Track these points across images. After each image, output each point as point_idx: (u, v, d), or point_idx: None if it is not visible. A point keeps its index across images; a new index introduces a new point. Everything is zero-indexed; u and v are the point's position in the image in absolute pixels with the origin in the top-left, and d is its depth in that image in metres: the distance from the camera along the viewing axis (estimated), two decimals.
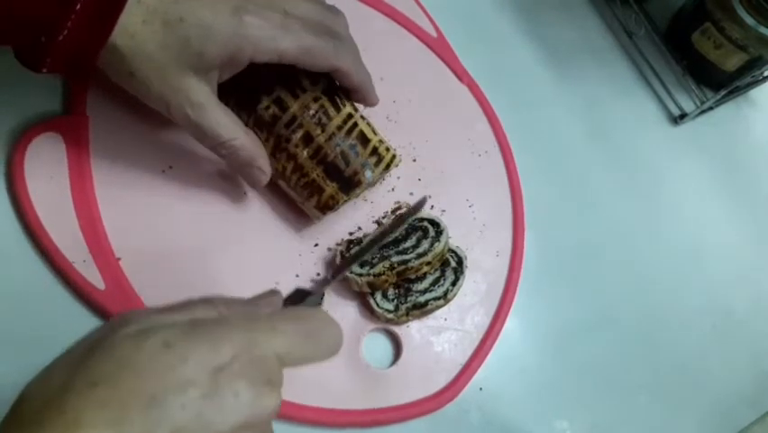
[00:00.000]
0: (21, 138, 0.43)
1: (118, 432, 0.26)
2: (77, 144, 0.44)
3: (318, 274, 0.49)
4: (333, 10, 0.46)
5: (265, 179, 0.46)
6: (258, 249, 0.48)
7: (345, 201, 0.47)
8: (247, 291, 0.43)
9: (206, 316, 0.32)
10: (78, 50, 0.37)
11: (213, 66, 0.40)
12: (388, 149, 0.48)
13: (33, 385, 0.27)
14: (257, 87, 0.46)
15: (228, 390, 0.28)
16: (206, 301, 0.33)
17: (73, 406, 0.26)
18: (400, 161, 0.49)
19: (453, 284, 0.50)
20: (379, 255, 0.48)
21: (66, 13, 0.35)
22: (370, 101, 0.48)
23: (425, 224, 0.50)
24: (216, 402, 0.28)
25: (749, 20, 0.63)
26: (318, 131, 0.45)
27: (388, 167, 0.48)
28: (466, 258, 0.51)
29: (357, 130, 0.46)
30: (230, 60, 0.40)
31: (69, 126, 0.45)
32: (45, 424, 0.25)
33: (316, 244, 0.50)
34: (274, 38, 0.41)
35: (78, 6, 0.35)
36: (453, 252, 0.51)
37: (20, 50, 0.37)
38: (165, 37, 0.38)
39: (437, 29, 0.61)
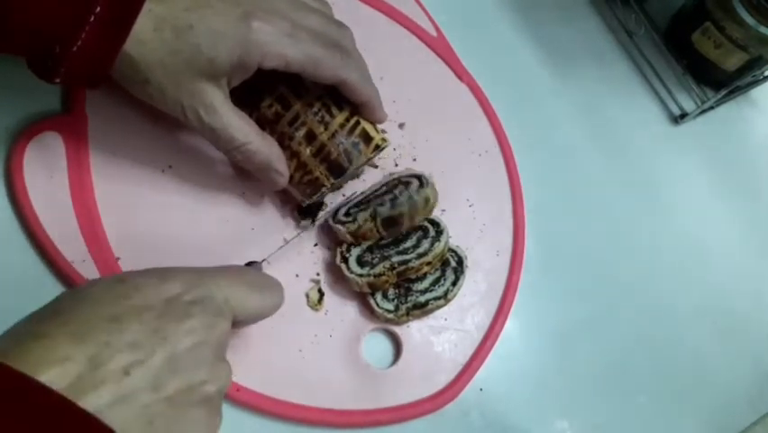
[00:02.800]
0: (20, 137, 0.43)
1: (80, 342, 0.29)
2: (76, 143, 0.44)
3: (318, 274, 0.49)
4: (340, 24, 0.46)
5: (283, 181, 0.46)
6: (258, 249, 0.47)
7: (333, 186, 0.47)
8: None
9: None
10: (92, 60, 0.37)
11: (223, 71, 0.40)
12: (384, 139, 0.48)
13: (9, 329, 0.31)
14: (260, 85, 0.46)
15: (181, 312, 0.32)
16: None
17: (39, 327, 0.30)
18: (388, 143, 0.49)
19: (454, 284, 0.50)
20: (379, 255, 0.48)
21: (81, 23, 0.35)
22: (377, 117, 0.48)
23: (426, 224, 0.50)
24: (170, 321, 0.32)
25: (749, 19, 0.63)
26: (321, 129, 0.45)
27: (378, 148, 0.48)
28: (466, 258, 0.51)
29: (360, 128, 0.46)
30: (239, 65, 0.41)
31: (69, 125, 0.45)
32: (20, 339, 0.29)
33: (316, 244, 0.50)
34: (282, 44, 0.41)
35: (93, 17, 0.35)
36: (454, 251, 0.51)
37: (33, 60, 0.37)
38: (176, 44, 0.38)
39: (437, 28, 0.61)
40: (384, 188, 0.51)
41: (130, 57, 0.38)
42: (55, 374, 0.28)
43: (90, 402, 0.28)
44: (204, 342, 0.33)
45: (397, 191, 0.49)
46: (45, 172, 0.43)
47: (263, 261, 0.46)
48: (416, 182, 0.50)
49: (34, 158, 0.43)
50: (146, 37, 0.37)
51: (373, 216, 0.48)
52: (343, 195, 0.51)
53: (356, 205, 0.50)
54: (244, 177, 0.48)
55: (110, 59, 0.37)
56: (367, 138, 0.47)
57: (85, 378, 0.28)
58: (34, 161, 0.43)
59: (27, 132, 0.43)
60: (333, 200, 0.51)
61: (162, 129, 0.47)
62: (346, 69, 0.44)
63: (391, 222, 0.48)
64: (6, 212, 0.43)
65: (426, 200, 0.49)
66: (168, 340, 0.31)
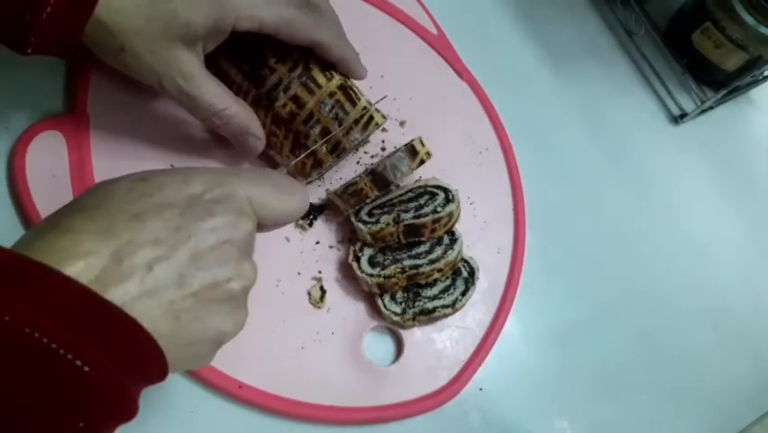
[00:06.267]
0: (22, 137, 0.43)
1: (105, 237, 0.29)
2: (78, 143, 0.44)
3: (320, 272, 0.49)
4: None
5: (261, 145, 0.46)
6: (259, 247, 0.47)
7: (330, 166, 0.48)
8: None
9: None
10: (63, 28, 0.36)
11: (199, 36, 0.40)
12: (425, 147, 0.49)
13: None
14: (274, 83, 0.46)
15: (203, 211, 0.32)
16: None
17: (64, 221, 0.30)
18: (383, 118, 0.49)
19: (463, 294, 0.50)
20: (391, 257, 0.48)
21: None
22: (356, 74, 0.48)
23: None
24: (193, 219, 0.32)
25: (749, 19, 0.63)
26: (336, 126, 0.46)
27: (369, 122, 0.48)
28: (478, 269, 0.51)
29: (373, 123, 0.47)
30: (214, 29, 0.41)
31: (71, 125, 0.45)
32: (45, 233, 0.29)
33: (318, 242, 0.50)
34: (256, 6, 0.41)
35: None
36: (466, 262, 0.51)
37: (4, 31, 0.36)
38: (151, 10, 0.38)
39: (438, 26, 0.61)
40: (410, 193, 0.50)
41: (103, 24, 0.37)
42: (80, 268, 0.28)
43: (116, 296, 0.28)
44: (228, 240, 0.33)
45: (422, 200, 0.50)
46: (47, 172, 0.43)
47: (286, 166, 0.46)
48: (442, 195, 0.50)
49: (37, 158, 0.43)
50: (121, 4, 0.37)
51: (396, 221, 0.48)
52: (351, 231, 0.51)
53: (380, 206, 0.49)
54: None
55: (81, 25, 0.37)
56: (413, 152, 0.48)
57: (110, 272, 0.28)
58: (37, 161, 0.43)
59: (29, 132, 0.43)
60: (339, 222, 0.51)
61: (164, 128, 0.47)
62: (319, 30, 0.44)
63: (413, 230, 0.48)
64: (9, 212, 0.42)
65: (450, 216, 0.49)
66: (191, 237, 0.31)
